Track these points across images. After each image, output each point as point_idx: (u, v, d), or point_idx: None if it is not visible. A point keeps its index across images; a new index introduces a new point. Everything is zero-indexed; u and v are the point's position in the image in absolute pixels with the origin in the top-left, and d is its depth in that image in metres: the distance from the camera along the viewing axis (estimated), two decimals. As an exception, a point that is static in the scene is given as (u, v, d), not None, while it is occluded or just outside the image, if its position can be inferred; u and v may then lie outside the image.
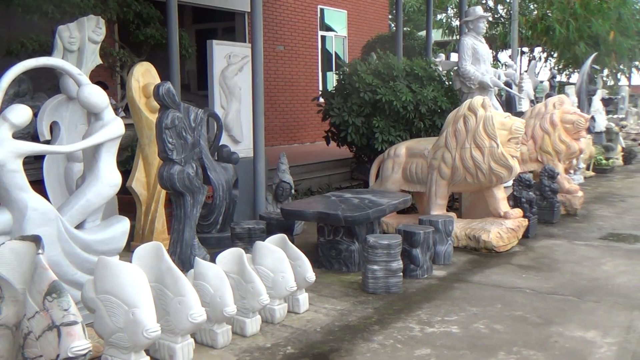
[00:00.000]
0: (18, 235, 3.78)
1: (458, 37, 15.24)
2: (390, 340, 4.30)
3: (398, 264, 5.32)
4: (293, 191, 7.63)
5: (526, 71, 15.34)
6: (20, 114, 4.07)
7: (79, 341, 3.19)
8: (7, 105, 4.19)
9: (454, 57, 20.53)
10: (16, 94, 6.44)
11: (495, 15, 22.52)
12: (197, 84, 14.84)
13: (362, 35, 16.51)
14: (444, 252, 6.21)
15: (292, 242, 5.03)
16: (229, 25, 13.99)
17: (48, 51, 6.55)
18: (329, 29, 16.32)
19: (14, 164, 4.00)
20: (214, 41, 8.04)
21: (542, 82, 15.92)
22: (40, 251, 3.35)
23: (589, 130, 10.31)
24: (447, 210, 7.21)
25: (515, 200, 7.37)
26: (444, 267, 6.13)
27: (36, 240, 3.43)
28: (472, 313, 4.83)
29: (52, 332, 3.20)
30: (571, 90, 14.10)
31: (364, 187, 8.65)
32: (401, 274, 5.37)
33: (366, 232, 5.94)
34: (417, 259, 5.72)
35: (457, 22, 20.77)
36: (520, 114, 9.36)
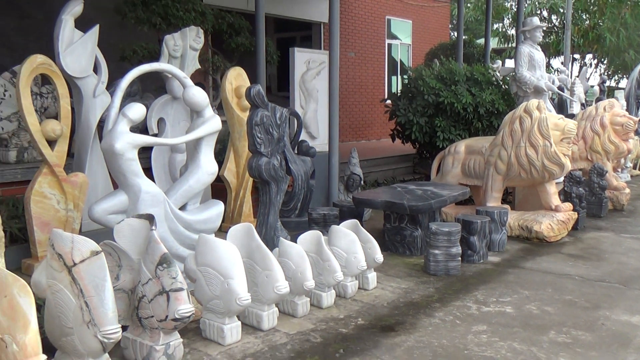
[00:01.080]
0: (134, 214, 3.98)
1: (513, 44, 14.90)
2: (450, 317, 4.31)
3: (457, 249, 5.30)
4: (362, 182, 7.67)
5: (578, 76, 14.81)
6: (137, 111, 4.27)
7: (185, 305, 3.34)
8: (123, 104, 4.41)
9: (509, 63, 20.06)
10: (128, 94, 6.68)
11: (549, 25, 21.85)
12: (277, 86, 15.03)
13: (426, 43, 16.33)
14: (499, 240, 6.13)
15: (362, 227, 5.08)
16: (307, 34, 14.09)
17: (156, 57, 6.75)
18: (395, 37, 16.20)
19: (130, 153, 4.19)
20: (296, 48, 8.14)
21: (592, 86, 15.35)
22: (153, 228, 3.52)
23: (637, 132, 9.93)
24: (502, 203, 7.11)
25: (565, 195, 7.20)
26: (498, 253, 6.06)
27: (150, 218, 3.60)
28: (525, 296, 4.77)
29: (162, 296, 3.36)
30: (620, 94, 13.57)
31: (425, 181, 8.60)
32: (460, 258, 5.35)
33: (428, 220, 5.94)
34: (474, 245, 5.68)
35: (513, 31, 20.23)
36: (572, 116, 9.09)
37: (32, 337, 2.69)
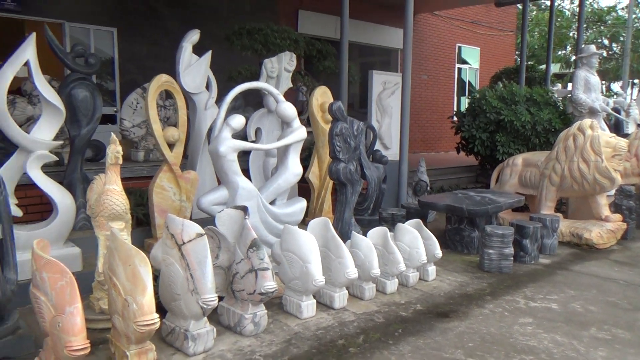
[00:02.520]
0: (232, 205, 4.15)
1: (573, 69, 14.18)
2: (499, 309, 4.21)
3: (510, 250, 5.15)
4: (429, 188, 7.58)
5: (634, 99, 13.89)
6: (238, 121, 4.45)
7: (270, 282, 3.46)
8: (228, 115, 4.58)
9: (569, 87, 19.09)
10: (233, 107, 6.91)
11: (610, 52, 20.61)
12: (359, 103, 15.04)
13: (492, 67, 15.83)
14: (550, 244, 5.89)
15: (426, 227, 5.03)
16: (384, 59, 14.04)
17: (256, 77, 6.92)
18: (464, 62, 15.83)
19: (232, 156, 4.37)
20: (374, 71, 8.17)
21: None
22: (246, 217, 3.66)
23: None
24: (555, 212, 6.82)
25: (616, 207, 6.79)
26: (549, 256, 5.82)
27: (244, 209, 3.75)
28: (570, 295, 4.57)
29: (252, 274, 3.49)
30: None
31: (485, 189, 8.38)
32: (512, 258, 5.19)
33: (485, 223, 5.80)
34: (526, 247, 5.49)
35: (574, 57, 19.28)
36: (626, 136, 8.57)
37: (148, 299, 2.88)
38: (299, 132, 4.75)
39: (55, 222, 4.19)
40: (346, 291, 4.15)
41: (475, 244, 5.81)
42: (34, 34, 4.15)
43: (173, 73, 5.29)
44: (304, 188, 6.43)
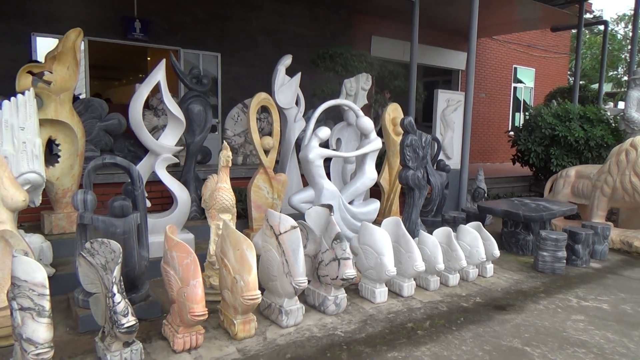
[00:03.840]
0: (318, 204, 4.27)
1: (625, 89, 13.30)
2: (553, 306, 4.07)
3: (563, 253, 4.96)
4: (486, 195, 7.40)
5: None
6: (325, 132, 4.58)
7: (350, 270, 3.54)
8: (316, 127, 4.71)
9: (621, 105, 17.88)
10: (317, 121, 7.05)
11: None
12: (422, 118, 14.87)
13: (546, 87, 15.14)
14: (601, 250, 5.60)
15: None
16: (447, 79, 13.78)
17: (336, 95, 7.05)
18: (520, 81, 15.23)
19: (319, 162, 4.50)
20: (439, 90, 8.08)
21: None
22: (331, 214, 3.76)
23: None
24: (606, 220, 6.46)
25: (667, 218, 6.35)
26: (599, 261, 5.54)
27: (329, 207, 3.84)
28: (621, 297, 4.34)
29: (335, 262, 3.59)
30: None
31: (539, 197, 8.05)
32: (564, 261, 4.99)
33: (539, 228, 5.61)
34: (578, 252, 5.26)
35: (626, 78, 18.02)
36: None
37: (253, 278, 3.05)
38: (376, 143, 4.81)
39: (175, 212, 4.49)
40: (414, 282, 4.16)
41: (530, 246, 5.62)
42: (164, 60, 4.47)
43: (265, 91, 5.42)
44: (375, 191, 6.45)
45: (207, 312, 2.85)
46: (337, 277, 3.55)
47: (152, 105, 6.37)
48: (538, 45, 15.25)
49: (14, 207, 2.99)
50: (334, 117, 7.62)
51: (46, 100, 4.25)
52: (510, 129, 13.89)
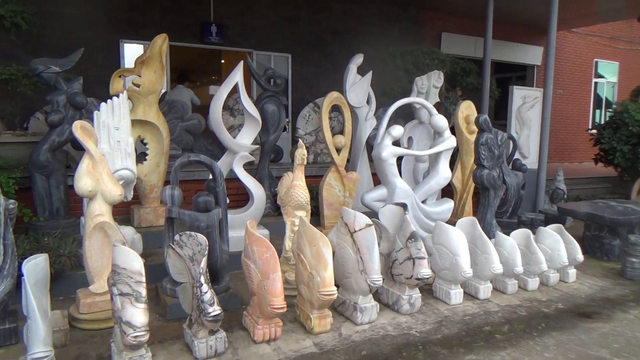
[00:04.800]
0: (392, 202, 4.25)
1: None
2: (645, 315, 3.80)
3: (656, 260, 4.60)
4: (565, 196, 7.01)
5: None
6: (398, 130, 4.55)
7: (425, 269, 3.49)
8: (389, 125, 4.69)
9: None
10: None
11: None
12: (493, 115, 14.32)
13: (632, 82, 14.03)
14: (699, 257, 5.13)
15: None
16: (521, 75, 13.19)
17: (406, 93, 6.97)
18: (601, 76, 14.27)
19: (392, 160, 4.48)
20: (514, 87, 7.74)
21: None
22: (406, 212, 3.73)
23: None
24: None
25: None
26: (698, 269, 5.07)
27: (404, 206, 3.81)
28: None
29: (410, 261, 3.55)
30: None
31: (625, 199, 7.50)
32: (657, 268, 4.64)
33: (627, 232, 5.23)
34: (673, 259, 4.85)
35: None
36: None
37: (329, 274, 3.10)
38: (450, 141, 4.71)
39: (251, 208, 4.65)
40: (490, 284, 4.03)
41: (616, 252, 5.25)
42: (241, 62, 4.64)
43: (334, 90, 5.45)
44: (446, 190, 6.31)
45: (286, 305, 2.93)
46: (412, 276, 3.52)
47: (229, 106, 6.63)
48: (622, 37, 14.20)
49: (112, 201, 3.23)
50: (404, 115, 7.54)
51: (135, 102, 4.55)
52: (591, 126, 13.06)
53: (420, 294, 3.70)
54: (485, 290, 3.98)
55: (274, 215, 5.43)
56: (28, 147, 4.58)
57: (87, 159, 3.20)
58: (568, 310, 3.86)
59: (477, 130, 5.20)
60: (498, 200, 5.18)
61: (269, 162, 5.66)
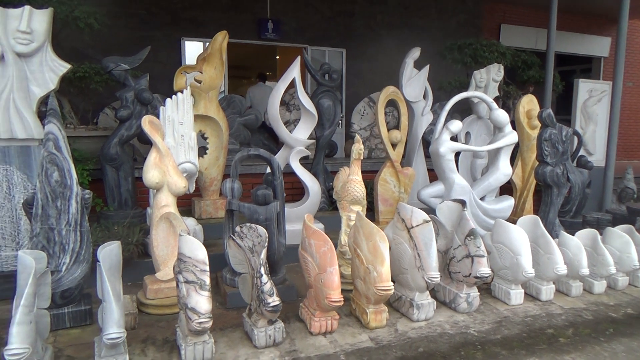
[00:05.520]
0: (449, 199, 4.18)
1: None
2: None
3: None
4: (635, 196, 6.61)
5: None
6: (457, 125, 4.45)
7: (485, 268, 3.39)
8: (447, 120, 4.61)
9: None
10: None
11: None
12: (555, 110, 13.67)
13: None
14: None
15: (637, 233, 4.41)
16: (586, 67, 12.51)
17: (464, 87, 6.81)
18: (677, 67, 13.27)
19: (450, 155, 4.40)
20: (580, 80, 7.37)
21: None
22: (465, 209, 3.64)
23: None
24: None
25: None
26: None
27: (462, 202, 3.72)
28: None
29: (468, 259, 3.47)
30: None
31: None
32: None
33: None
34: None
35: None
36: None
37: (386, 269, 3.08)
38: (511, 137, 4.56)
39: (307, 202, 4.70)
40: (553, 285, 3.87)
41: (695, 255, 4.89)
42: (299, 58, 4.69)
43: (388, 85, 5.38)
44: (505, 188, 6.09)
45: (343, 299, 2.95)
46: (470, 274, 3.44)
47: (285, 101, 6.72)
48: (702, 25, 13.12)
49: (177, 193, 3.37)
50: (460, 110, 7.36)
51: (197, 97, 4.70)
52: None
53: (478, 293, 3.61)
54: (547, 291, 3.83)
55: (328, 209, 5.46)
56: (99, 140, 4.86)
57: (154, 152, 3.34)
58: (639, 316, 3.64)
59: (539, 125, 5.00)
60: (561, 198, 4.96)
61: (324, 156, 5.69)
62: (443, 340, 3.12)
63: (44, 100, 3.59)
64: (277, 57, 10.97)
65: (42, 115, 3.60)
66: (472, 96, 4.88)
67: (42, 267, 2.51)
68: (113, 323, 2.33)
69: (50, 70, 3.54)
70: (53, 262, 2.94)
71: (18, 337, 2.14)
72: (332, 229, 4.74)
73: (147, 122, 3.34)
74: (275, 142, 6.76)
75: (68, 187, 3.00)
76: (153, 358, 2.75)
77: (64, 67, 3.59)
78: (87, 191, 3.09)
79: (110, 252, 2.53)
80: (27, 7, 3.42)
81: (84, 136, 4.97)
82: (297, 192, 5.67)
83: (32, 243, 2.92)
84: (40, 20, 3.47)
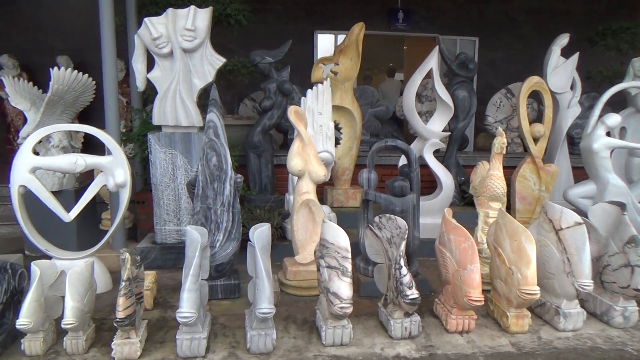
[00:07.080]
0: (602, 200, 3.77)
1: None
2: None
3: None
4: None
5: None
6: (614, 119, 4.00)
7: None
8: (603, 113, 4.14)
9: None
10: (589, 107, 6.20)
11: None
12: None
13: None
14: None
15: None
16: None
17: (617, 76, 6.08)
18: None
19: (604, 153, 3.97)
20: None
21: None
22: (624, 213, 3.27)
23: None
24: None
25: None
26: None
27: (622, 205, 3.34)
28: None
29: (627, 268, 3.11)
30: None
31: None
32: None
33: None
34: None
35: None
36: None
37: (532, 272, 2.88)
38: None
39: (439, 196, 4.58)
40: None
41: None
42: (437, 48, 4.55)
43: (524, 75, 5.02)
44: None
45: (483, 298, 2.82)
46: (629, 286, 3.08)
47: (417, 92, 6.58)
48: None
49: (317, 180, 3.49)
50: (612, 103, 6.59)
51: (333, 88, 4.80)
52: None
53: (637, 308, 3.22)
54: (624, 313, 3.27)
55: (459, 204, 5.25)
56: (242, 129, 5.21)
57: (298, 141, 3.49)
58: None
59: None
60: None
61: (457, 150, 5.48)
62: (595, 355, 2.84)
63: (203, 92, 3.95)
64: (405, 47, 10.77)
65: (199, 105, 3.97)
66: (631, 87, 4.32)
67: (205, 241, 2.77)
68: (265, 299, 2.49)
69: (209, 64, 3.87)
70: (209, 238, 3.23)
71: (188, 303, 2.40)
72: (464, 225, 4.53)
73: (292, 112, 3.49)
74: (404, 135, 6.68)
75: (224, 171, 3.27)
76: (295, 335, 2.90)
77: (220, 61, 3.90)
78: (239, 175, 3.34)
79: (262, 233, 2.71)
80: (193, 7, 3.77)
81: (231, 125, 5.36)
82: (427, 185, 5.53)
83: (193, 220, 3.24)
84: (202, 18, 3.81)
